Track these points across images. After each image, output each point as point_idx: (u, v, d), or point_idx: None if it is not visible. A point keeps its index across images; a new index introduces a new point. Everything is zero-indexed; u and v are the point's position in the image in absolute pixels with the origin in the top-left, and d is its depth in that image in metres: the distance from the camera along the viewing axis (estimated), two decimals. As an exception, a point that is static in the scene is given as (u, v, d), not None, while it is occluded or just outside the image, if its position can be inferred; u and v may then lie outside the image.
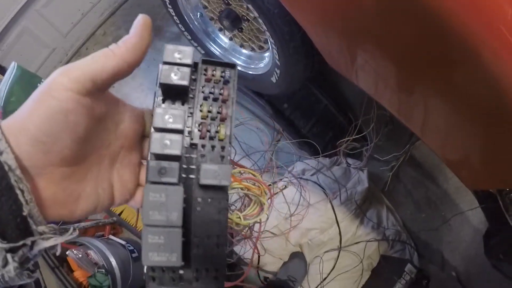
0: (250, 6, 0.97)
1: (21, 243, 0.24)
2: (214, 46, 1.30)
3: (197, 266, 0.29)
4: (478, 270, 1.40)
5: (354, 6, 0.68)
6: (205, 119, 0.30)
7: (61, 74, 0.26)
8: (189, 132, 0.30)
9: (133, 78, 1.75)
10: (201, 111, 0.30)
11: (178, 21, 1.27)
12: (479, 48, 0.51)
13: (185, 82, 0.28)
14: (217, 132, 0.30)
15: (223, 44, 1.30)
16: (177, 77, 0.28)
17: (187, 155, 0.30)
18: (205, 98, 0.31)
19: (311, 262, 1.40)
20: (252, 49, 1.22)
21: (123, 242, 1.54)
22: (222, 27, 1.21)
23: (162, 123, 0.28)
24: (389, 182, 1.49)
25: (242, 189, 0.49)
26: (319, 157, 1.41)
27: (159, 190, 0.27)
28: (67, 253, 1.41)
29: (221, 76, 0.31)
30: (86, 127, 0.27)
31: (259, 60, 1.22)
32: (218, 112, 0.31)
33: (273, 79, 1.13)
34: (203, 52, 1.33)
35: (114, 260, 1.42)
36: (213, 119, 0.31)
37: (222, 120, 0.31)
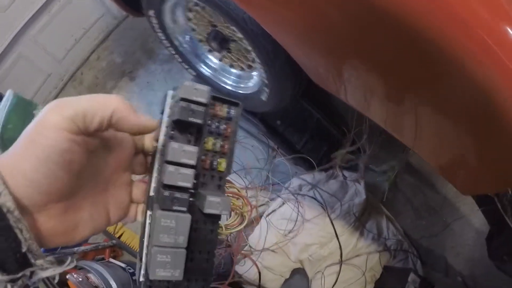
0: (234, 28, 0.98)
1: (20, 274, 0.26)
2: (205, 67, 1.31)
3: (189, 277, 0.32)
4: (483, 273, 1.39)
5: (335, 27, 0.70)
6: (208, 151, 0.33)
7: (54, 111, 0.27)
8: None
9: (128, 101, 1.75)
10: (205, 143, 0.33)
11: (168, 45, 1.29)
12: (460, 55, 0.52)
13: (200, 121, 0.31)
14: (217, 164, 0.33)
15: (213, 65, 1.31)
16: (193, 115, 0.31)
17: None
18: (210, 132, 0.33)
19: (313, 278, 1.39)
20: (242, 69, 1.23)
21: (123, 265, 1.53)
22: (211, 49, 1.22)
23: (177, 158, 0.30)
24: (387, 191, 1.48)
25: None
26: (315, 171, 1.41)
27: (170, 216, 0.30)
28: (67, 277, 1.40)
29: (227, 113, 0.34)
30: (81, 162, 0.29)
31: (248, 79, 1.24)
32: (220, 146, 0.33)
33: (263, 97, 1.14)
34: (194, 74, 1.34)
35: (114, 283, 1.42)
36: (215, 152, 0.33)
37: (223, 153, 0.34)
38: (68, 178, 0.28)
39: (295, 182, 1.43)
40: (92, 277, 1.44)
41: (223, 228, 0.48)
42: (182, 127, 0.32)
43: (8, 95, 1.42)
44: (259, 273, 1.34)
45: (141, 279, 0.32)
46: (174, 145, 0.30)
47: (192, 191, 0.32)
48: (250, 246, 1.35)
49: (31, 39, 1.71)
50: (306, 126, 1.43)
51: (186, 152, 0.30)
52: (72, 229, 0.31)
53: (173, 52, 1.32)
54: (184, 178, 0.30)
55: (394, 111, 0.81)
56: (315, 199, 1.36)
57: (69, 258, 0.29)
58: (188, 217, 0.31)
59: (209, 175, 0.33)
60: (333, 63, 0.83)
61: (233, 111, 0.34)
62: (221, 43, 1.14)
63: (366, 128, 1.36)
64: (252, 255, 1.34)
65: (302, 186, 1.41)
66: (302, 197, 1.37)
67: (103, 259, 1.63)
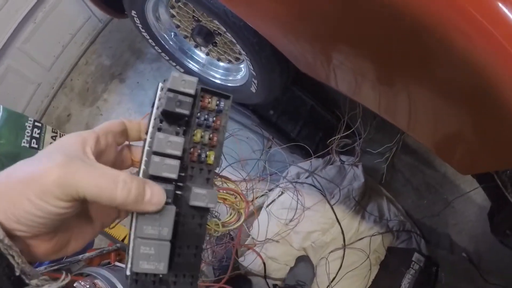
0: (216, 21, 0.97)
1: None
2: (192, 62, 1.31)
3: (176, 272, 0.32)
4: (488, 248, 1.39)
5: (315, 13, 0.68)
6: (197, 143, 0.33)
7: (57, 184, 0.26)
8: (182, 154, 0.32)
9: (119, 103, 1.77)
10: (194, 135, 0.33)
11: (153, 44, 1.28)
12: (449, 33, 0.51)
13: (186, 112, 0.31)
14: (206, 156, 0.33)
15: (200, 60, 1.30)
16: (180, 106, 0.31)
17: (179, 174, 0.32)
18: (199, 124, 0.33)
19: (317, 264, 1.39)
20: (230, 61, 1.22)
21: (129, 268, 1.54)
22: (197, 44, 1.21)
23: (162, 148, 0.30)
24: (385, 173, 1.48)
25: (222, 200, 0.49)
26: (312, 158, 1.41)
27: None
28: (74, 285, 1.41)
29: (216, 105, 0.33)
30: (77, 211, 0.29)
31: (237, 71, 1.23)
32: (209, 139, 0.33)
33: (253, 89, 1.13)
34: (182, 70, 1.33)
35: (121, 287, 1.42)
36: (204, 144, 0.33)
37: (212, 146, 0.33)
38: (61, 223, 0.29)
39: (292, 171, 1.42)
40: (99, 283, 1.44)
41: (220, 226, 0.47)
42: (170, 119, 0.32)
43: (-2, 110, 1.41)
44: (264, 264, 1.35)
45: (128, 273, 0.31)
46: (160, 135, 0.30)
47: (180, 184, 0.32)
48: (252, 238, 1.35)
49: (17, 49, 1.70)
50: (300, 113, 1.42)
51: (172, 142, 0.30)
52: (64, 246, 0.31)
53: (160, 51, 1.31)
54: (170, 169, 0.30)
55: (386, 95, 0.80)
56: (314, 186, 1.36)
57: (63, 274, 0.30)
58: (172, 208, 0.30)
59: (197, 168, 0.33)
60: (320, 50, 0.82)
61: (223, 104, 0.33)
62: (206, 37, 1.12)
63: (360, 111, 1.35)
64: (255, 246, 1.35)
65: (300, 174, 1.41)
66: (301, 185, 1.37)
67: (109, 263, 1.64)
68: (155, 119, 0.32)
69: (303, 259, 1.43)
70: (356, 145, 1.41)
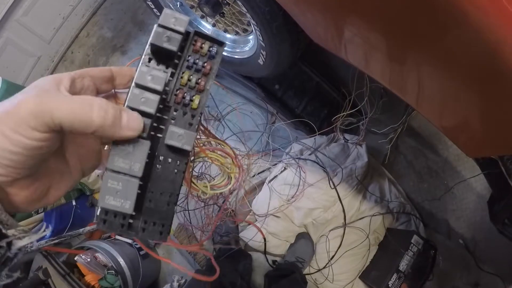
0: (227, -12, 0.95)
1: None
2: (198, 34, 1.28)
3: (146, 218, 0.31)
4: (484, 236, 1.40)
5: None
6: (183, 86, 0.32)
7: (32, 114, 0.25)
8: (166, 94, 0.32)
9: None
10: (181, 77, 0.32)
11: (158, 14, 1.25)
12: (467, 8, 0.49)
13: (174, 48, 0.30)
14: (191, 100, 0.32)
15: (206, 32, 1.27)
16: (168, 41, 0.30)
17: (159, 115, 0.32)
18: (189, 67, 0.32)
19: (317, 242, 1.40)
20: (237, 33, 1.19)
21: (129, 241, 1.55)
22: (204, 14, 1.18)
23: (143, 81, 0.29)
24: (388, 154, 1.47)
25: (211, 159, 0.48)
26: (316, 135, 1.40)
27: (128, 140, 0.29)
28: (75, 258, 1.42)
29: (208, 50, 0.32)
30: (54, 146, 0.28)
31: (244, 43, 1.20)
32: (196, 83, 0.32)
33: (260, 61, 1.11)
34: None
35: (122, 260, 1.43)
36: (191, 88, 0.32)
37: (199, 91, 0.32)
38: (38, 163, 0.28)
39: (296, 147, 1.41)
40: (100, 256, 1.45)
41: (208, 188, 0.46)
42: (159, 57, 0.31)
43: (-2, 81, 1.40)
44: (264, 239, 1.35)
45: (97, 213, 0.30)
46: (143, 68, 0.29)
47: (162, 127, 0.31)
48: (253, 213, 1.35)
49: (16, 22, 1.67)
50: (305, 89, 1.40)
51: (154, 76, 0.29)
52: (45, 193, 0.30)
53: (165, 21, 1.28)
54: (148, 103, 0.29)
55: (397, 68, 0.78)
56: (317, 163, 1.35)
57: (44, 225, 0.29)
58: (147, 143, 0.29)
59: (181, 111, 0.32)
60: (332, 17, 0.80)
61: (215, 49, 0.32)
62: (214, 7, 1.10)
63: (366, 90, 1.33)
64: (256, 221, 1.35)
65: (304, 150, 1.40)
66: (304, 162, 1.37)
67: (109, 237, 1.65)
68: (144, 56, 0.31)
69: (303, 236, 1.43)
70: (361, 124, 1.40)
